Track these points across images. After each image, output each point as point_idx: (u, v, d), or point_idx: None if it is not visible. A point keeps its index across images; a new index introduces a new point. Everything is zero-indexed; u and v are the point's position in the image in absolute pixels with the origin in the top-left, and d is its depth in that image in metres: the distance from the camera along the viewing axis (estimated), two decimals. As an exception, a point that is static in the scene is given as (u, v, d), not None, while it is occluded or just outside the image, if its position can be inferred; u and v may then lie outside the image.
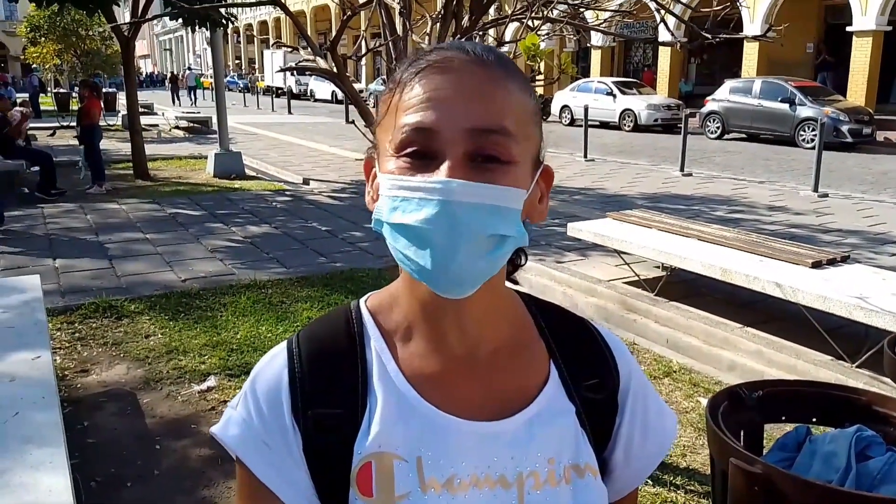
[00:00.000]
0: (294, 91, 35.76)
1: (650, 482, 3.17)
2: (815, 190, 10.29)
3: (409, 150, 0.72)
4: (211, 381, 4.17)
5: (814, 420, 1.86)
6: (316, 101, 37.06)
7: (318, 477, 0.76)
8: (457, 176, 0.69)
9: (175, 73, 43.05)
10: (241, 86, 43.48)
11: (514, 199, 0.73)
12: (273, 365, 0.81)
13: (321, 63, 3.47)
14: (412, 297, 0.80)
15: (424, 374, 0.79)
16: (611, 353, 0.88)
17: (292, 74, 35.44)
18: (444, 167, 0.69)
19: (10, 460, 2.42)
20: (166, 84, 38.99)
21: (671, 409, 3.33)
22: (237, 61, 61.55)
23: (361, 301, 0.86)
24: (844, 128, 15.95)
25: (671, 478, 3.22)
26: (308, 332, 0.83)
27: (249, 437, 0.77)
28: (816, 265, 4.80)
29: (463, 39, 3.04)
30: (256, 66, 52.68)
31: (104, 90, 20.97)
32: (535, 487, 0.78)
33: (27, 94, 26.45)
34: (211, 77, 13.45)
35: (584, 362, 0.86)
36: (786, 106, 16.89)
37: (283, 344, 0.83)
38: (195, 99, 36.18)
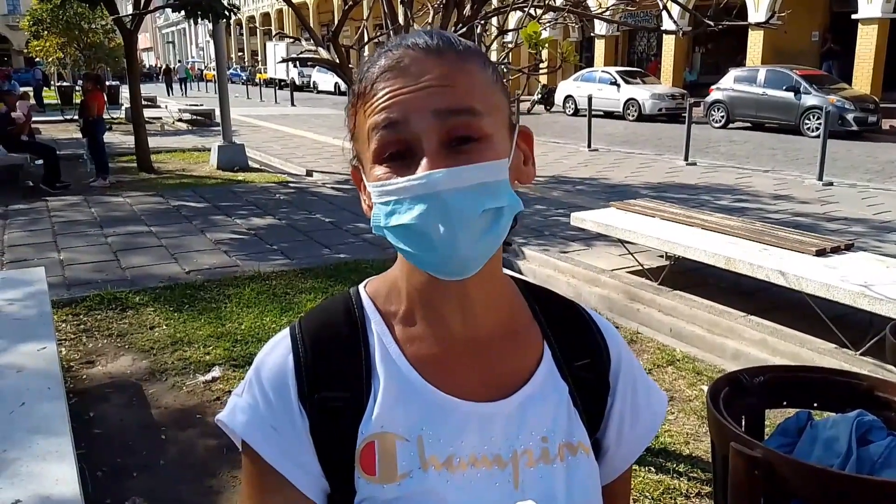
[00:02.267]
0: (297, 83, 35.77)
1: (653, 469, 3.19)
2: (820, 179, 10.25)
3: (387, 153, 0.73)
4: (216, 372, 4.19)
5: (815, 405, 1.86)
6: (319, 92, 37.01)
7: (325, 458, 0.78)
8: (437, 166, 0.70)
9: (168, 65, 46.49)
10: (244, 78, 43.81)
11: (498, 170, 0.74)
12: (277, 351, 0.82)
13: (323, 53, 3.48)
14: (411, 282, 0.82)
15: (424, 357, 0.81)
16: (601, 335, 0.90)
17: (295, 66, 35.44)
18: (424, 161, 0.71)
19: (17, 450, 2.44)
20: (160, 77, 41.01)
21: (674, 396, 3.31)
22: (240, 53, 61.48)
23: (361, 287, 0.88)
24: (850, 116, 15.86)
25: (674, 465, 3.23)
26: (310, 319, 0.84)
27: (257, 423, 0.78)
28: (821, 253, 4.79)
29: (460, 27, 3.04)
30: (259, 58, 52.67)
31: (107, 83, 20.98)
32: (529, 464, 0.79)
33: (31, 88, 26.46)
34: (213, 69, 13.43)
35: (575, 343, 0.88)
36: (791, 94, 16.80)
37: (286, 331, 0.84)
38: (185, 90, 38.73)
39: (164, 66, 42.89)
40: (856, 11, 19.51)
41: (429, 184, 0.70)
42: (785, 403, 1.87)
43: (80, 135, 12.10)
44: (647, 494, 3.02)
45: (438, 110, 0.71)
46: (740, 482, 1.49)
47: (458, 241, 0.70)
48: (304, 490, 0.77)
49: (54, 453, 2.44)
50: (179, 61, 57.59)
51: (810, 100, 16.40)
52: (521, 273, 6.45)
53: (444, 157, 0.71)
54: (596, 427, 0.87)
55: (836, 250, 4.90)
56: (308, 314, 0.86)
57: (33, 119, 12.40)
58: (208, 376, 4.16)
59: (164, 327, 4.94)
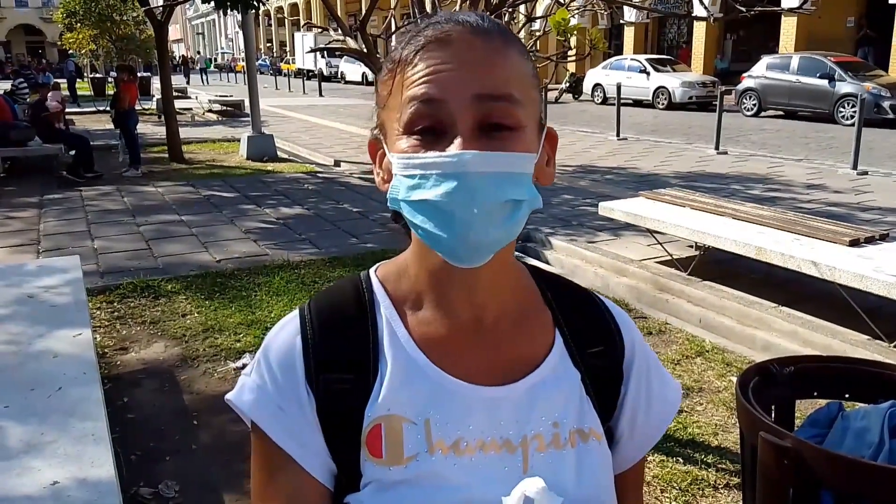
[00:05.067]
0: (325, 73, 35.93)
1: (681, 460, 3.17)
2: (855, 168, 10.04)
3: (418, 126, 0.72)
4: (246, 359, 4.25)
5: (846, 396, 1.84)
6: (346, 83, 37.12)
7: (332, 439, 0.78)
8: (470, 148, 0.70)
9: (186, 56, 50.15)
10: (269, 69, 44.73)
11: (526, 163, 0.74)
12: (286, 332, 0.82)
13: (351, 43, 3.49)
14: (422, 267, 0.82)
15: (433, 340, 0.80)
16: (615, 323, 0.89)
17: (323, 56, 35.56)
18: (457, 140, 0.70)
19: (55, 433, 2.51)
20: (179, 67, 42.85)
21: (703, 388, 3.29)
22: (268, 44, 61.80)
23: (371, 270, 0.88)
24: (886, 104, 15.50)
25: (703, 456, 3.22)
26: (319, 300, 0.84)
27: (265, 403, 0.79)
28: (854, 243, 4.71)
29: (488, 14, 3.03)
30: (287, 48, 53.00)
31: (139, 75, 21.24)
32: (540, 449, 0.79)
33: (65, 80, 26.89)
34: (243, 60, 13.56)
35: (588, 331, 0.87)
36: (825, 82, 16.47)
37: (295, 312, 0.84)
38: (206, 79, 41.50)
39: (181, 57, 44.31)
40: (893, -4, 19.03)
41: (460, 163, 0.69)
42: (815, 394, 1.85)
43: (112, 125, 12.29)
44: (675, 485, 3.01)
45: (479, 94, 0.71)
46: (769, 472, 1.48)
47: (476, 225, 0.70)
48: (310, 470, 0.77)
49: (90, 437, 2.50)
50: (199, 52, 62.19)
51: (845, 87, 16.05)
52: (548, 263, 6.43)
53: (477, 139, 0.71)
54: (609, 415, 0.86)
55: (870, 240, 4.81)
56: (317, 296, 0.86)
57: (67, 110, 12.61)
58: (239, 363, 4.23)
59: (196, 315, 5.01)
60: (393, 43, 0.82)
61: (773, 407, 1.81)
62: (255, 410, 0.79)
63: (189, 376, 4.13)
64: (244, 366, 4.17)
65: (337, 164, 12.27)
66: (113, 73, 18.04)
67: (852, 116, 13.98)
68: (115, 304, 5.25)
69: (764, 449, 1.47)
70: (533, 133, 0.76)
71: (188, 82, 36.26)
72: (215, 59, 59.37)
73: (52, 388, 2.82)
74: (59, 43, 34.68)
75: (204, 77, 42.07)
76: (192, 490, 3.08)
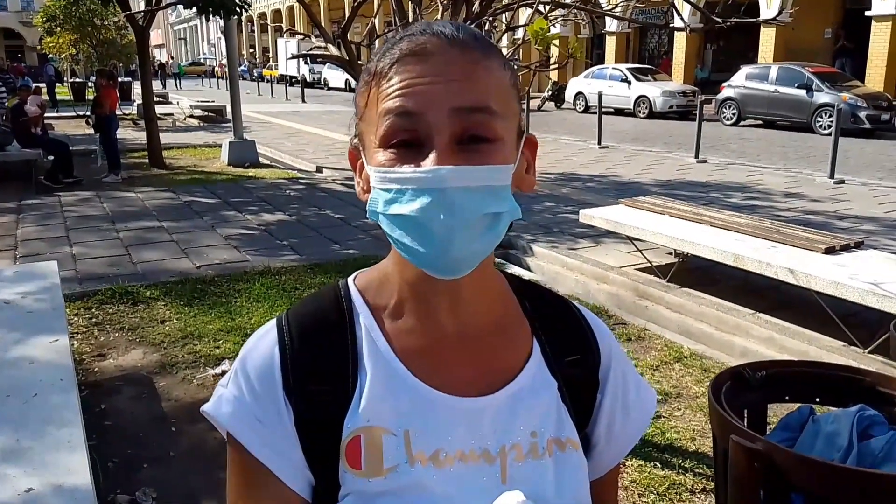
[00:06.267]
0: (307, 80, 35.87)
1: (659, 465, 3.20)
2: (832, 177, 10.19)
3: (395, 139, 0.72)
4: (226, 366, 4.23)
5: (817, 400, 1.87)
6: (329, 89, 37.07)
7: (310, 451, 0.77)
8: (446, 162, 0.69)
9: (162, 62, 50.28)
10: (248, 75, 44.76)
11: (504, 175, 0.73)
12: (264, 343, 0.81)
13: (333, 50, 3.50)
14: (402, 277, 0.81)
15: (413, 351, 0.80)
16: (591, 332, 0.89)
17: (306, 62, 35.51)
18: (433, 155, 0.70)
19: (30, 440, 2.48)
20: (156, 73, 43.15)
21: (681, 393, 3.32)
22: (251, 50, 61.64)
23: (350, 279, 0.87)
24: (862, 114, 15.74)
25: (680, 461, 3.24)
26: (298, 310, 0.84)
27: (242, 414, 0.78)
28: (830, 251, 4.78)
29: (469, 23, 3.05)
30: (270, 54, 52.90)
31: (119, 80, 21.11)
32: (518, 459, 0.79)
33: (43, 84, 26.64)
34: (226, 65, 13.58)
35: (565, 339, 0.87)
36: (803, 92, 16.70)
37: (272, 322, 0.83)
38: (179, 84, 42.01)
39: (158, 63, 44.50)
40: (869, 8, 19.36)
41: (436, 178, 0.69)
42: (787, 398, 1.88)
43: (92, 131, 12.19)
44: (653, 489, 3.03)
45: (456, 107, 0.70)
46: (740, 475, 1.50)
47: (454, 240, 0.70)
48: (288, 482, 0.77)
49: (66, 444, 2.48)
50: (172, 58, 62.76)
51: (822, 97, 16.29)
52: (529, 270, 6.46)
53: (454, 153, 0.70)
54: (585, 422, 0.86)
55: (845, 248, 4.89)
56: (295, 306, 0.85)
57: (46, 115, 12.48)
58: (218, 370, 4.20)
59: (175, 321, 4.98)
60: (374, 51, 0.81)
61: (745, 411, 1.84)
62: (232, 422, 0.78)
63: (168, 383, 4.11)
64: (223, 372, 4.15)
65: (319, 170, 12.25)
66: (93, 78, 17.90)
67: (829, 126, 14.19)
68: (94, 310, 5.21)
69: (735, 452, 1.49)
70: (511, 144, 0.75)
71: (164, 87, 36.25)
72: (200, 63, 59.33)
73: (28, 395, 2.79)
74: (38, 47, 34.39)
75: (177, 82, 42.60)
76: (170, 498, 3.06)
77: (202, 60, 61.82)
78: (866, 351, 4.33)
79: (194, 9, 10.10)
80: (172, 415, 3.77)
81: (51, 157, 10.61)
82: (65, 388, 2.89)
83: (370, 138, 0.75)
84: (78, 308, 5.19)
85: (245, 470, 0.78)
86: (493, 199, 0.72)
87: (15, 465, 2.32)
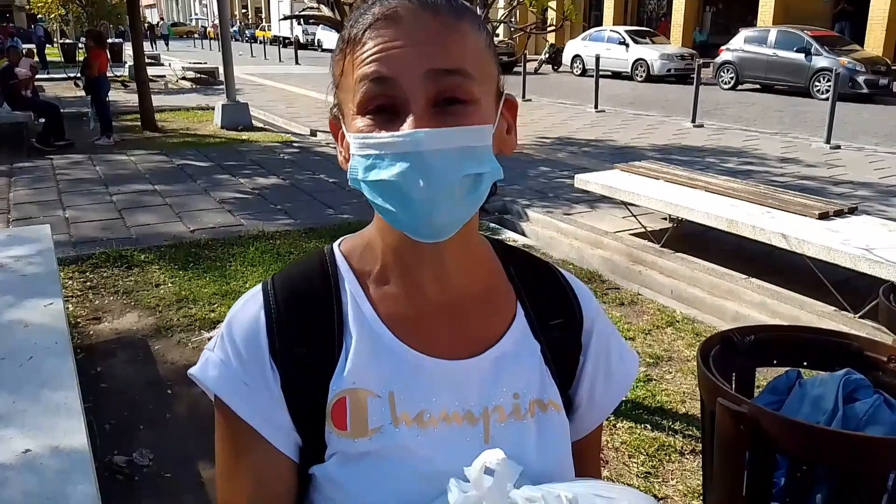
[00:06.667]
0: (301, 41, 35.39)
1: (649, 427, 3.25)
2: (828, 142, 10.16)
3: (372, 106, 0.72)
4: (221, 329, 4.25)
5: (805, 364, 1.89)
6: (323, 50, 36.60)
7: (296, 413, 0.78)
8: (422, 125, 0.69)
9: (152, 23, 49.98)
10: (241, 35, 44.08)
11: (483, 136, 0.74)
12: (249, 308, 0.82)
13: (325, 11, 3.46)
14: (386, 242, 0.82)
15: (397, 315, 0.81)
16: (575, 296, 0.90)
17: (299, 24, 35.02)
18: (410, 119, 0.70)
19: (26, 402, 2.50)
20: (146, 34, 42.66)
21: (672, 357, 3.36)
22: (244, 10, 60.72)
23: (335, 245, 0.88)
24: (861, 78, 15.64)
25: (670, 423, 3.29)
26: (283, 276, 0.84)
27: (229, 378, 0.79)
28: (823, 216, 4.79)
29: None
30: (263, 15, 52.16)
31: (109, 41, 20.79)
32: (500, 420, 0.81)
33: (33, 45, 26.24)
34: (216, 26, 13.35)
35: (549, 304, 0.88)
36: (801, 56, 16.56)
37: (258, 287, 0.84)
38: (167, 45, 41.13)
39: (147, 24, 43.93)
40: (870, -30, 19.13)
41: (413, 142, 0.69)
42: (775, 362, 1.90)
43: (83, 93, 12.05)
44: (643, 451, 3.08)
45: (430, 70, 0.70)
46: (726, 437, 1.53)
47: (436, 203, 0.70)
48: (275, 444, 0.78)
49: (62, 406, 2.50)
50: (161, 19, 61.96)
51: (821, 61, 16.16)
52: (524, 235, 6.47)
53: (430, 116, 0.70)
54: (568, 385, 0.88)
55: (839, 213, 4.90)
56: (281, 272, 0.85)
57: (37, 77, 12.33)
58: (213, 333, 4.22)
59: (170, 285, 4.99)
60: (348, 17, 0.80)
61: (734, 375, 1.86)
62: (219, 386, 0.79)
63: (163, 346, 4.13)
64: (218, 336, 4.18)
65: (313, 133, 12.16)
66: (83, 39, 17.64)
67: (827, 91, 14.11)
68: (88, 273, 5.21)
69: (721, 415, 1.51)
70: (489, 105, 0.76)
71: (154, 48, 35.73)
72: (192, 24, 58.48)
73: (23, 358, 2.80)
74: (27, 7, 33.78)
75: (166, 43, 41.95)
76: (166, 459, 3.10)
77: (189, 21, 61.01)
78: (857, 316, 4.37)
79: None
80: (168, 378, 3.80)
81: (42, 120, 10.51)
82: (60, 351, 2.90)
83: (348, 106, 0.76)
84: (72, 272, 5.19)
85: (233, 432, 0.79)
86: (473, 160, 0.72)
87: (12, 427, 2.34)
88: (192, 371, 0.82)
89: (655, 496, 2.82)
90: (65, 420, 2.42)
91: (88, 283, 5.04)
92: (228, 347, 0.80)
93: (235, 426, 0.79)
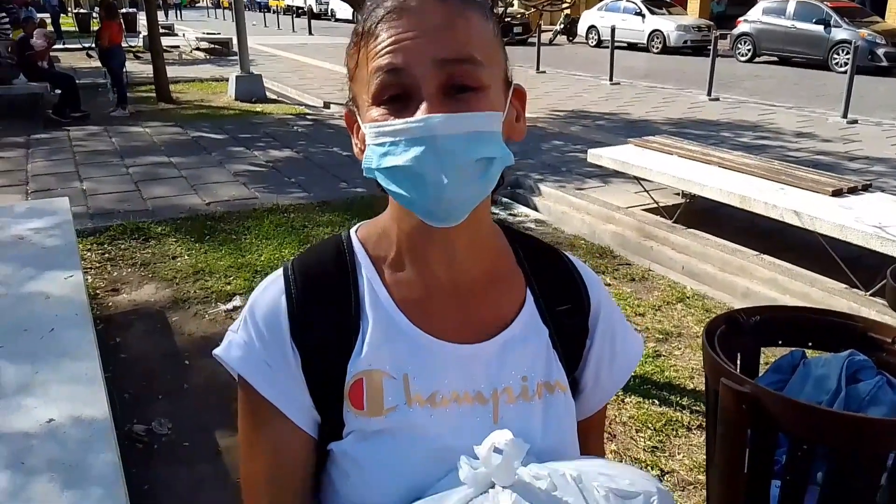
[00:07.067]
0: (314, 10, 35.12)
1: (657, 402, 3.29)
2: (845, 116, 10.04)
3: (386, 96, 0.75)
4: (237, 301, 4.32)
5: (809, 344, 1.92)
6: (337, 20, 36.35)
7: (315, 393, 0.82)
8: (435, 111, 0.73)
9: None
10: (254, 4, 43.81)
11: (493, 122, 0.77)
12: (271, 291, 0.86)
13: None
14: (400, 228, 0.85)
15: (412, 300, 0.85)
16: (582, 282, 0.94)
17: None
18: (423, 105, 0.73)
19: (48, 372, 2.58)
20: (159, 4, 42.32)
21: (682, 333, 3.39)
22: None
23: (352, 231, 0.91)
24: (880, 51, 15.38)
25: (678, 399, 3.34)
26: (302, 261, 0.88)
27: (252, 359, 0.83)
28: (837, 193, 4.77)
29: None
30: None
31: (123, 10, 20.74)
32: (509, 401, 0.85)
33: (47, 14, 26.19)
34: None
35: (557, 289, 0.92)
36: (820, 28, 16.28)
37: (279, 271, 0.88)
38: (180, 15, 40.24)
39: None
40: (895, -61, 18.68)
41: (426, 127, 0.72)
42: (780, 342, 1.93)
43: (99, 63, 12.07)
44: (650, 426, 3.13)
45: (439, 59, 0.73)
46: (729, 416, 1.57)
47: (448, 186, 0.73)
48: (296, 421, 0.82)
49: (84, 376, 2.58)
50: None
51: (840, 33, 15.89)
52: (536, 209, 6.48)
53: (442, 102, 0.73)
54: (574, 367, 0.92)
55: (852, 191, 4.88)
56: (300, 256, 0.89)
57: (52, 48, 12.35)
58: (229, 305, 4.30)
59: (186, 257, 5.06)
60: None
61: (739, 354, 1.90)
62: (243, 366, 0.83)
63: (180, 318, 4.21)
64: (235, 308, 4.25)
65: (327, 105, 12.14)
66: (97, 8, 17.61)
67: (846, 63, 13.90)
68: (106, 245, 5.29)
69: (724, 394, 1.55)
70: (498, 92, 0.79)
71: (166, 18, 35.54)
72: None
73: (44, 330, 2.88)
74: (40, -25, 33.61)
75: (178, 13, 41.51)
76: (184, 428, 3.19)
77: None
78: (868, 294, 4.37)
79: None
80: (185, 349, 3.88)
81: (57, 91, 10.55)
82: (80, 322, 2.98)
83: (363, 97, 0.79)
84: (90, 244, 5.27)
85: (255, 409, 0.84)
86: (484, 144, 0.75)
87: (34, 396, 2.42)
88: (216, 352, 0.86)
89: (662, 470, 2.88)
90: (86, 390, 2.50)
91: (106, 255, 5.12)
92: (252, 329, 0.84)
93: (257, 403, 0.83)
